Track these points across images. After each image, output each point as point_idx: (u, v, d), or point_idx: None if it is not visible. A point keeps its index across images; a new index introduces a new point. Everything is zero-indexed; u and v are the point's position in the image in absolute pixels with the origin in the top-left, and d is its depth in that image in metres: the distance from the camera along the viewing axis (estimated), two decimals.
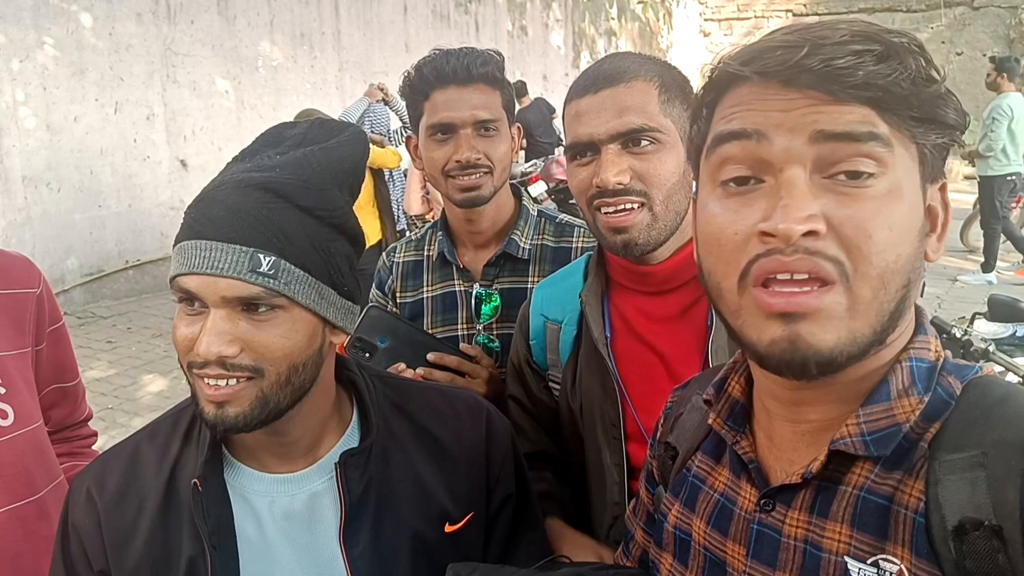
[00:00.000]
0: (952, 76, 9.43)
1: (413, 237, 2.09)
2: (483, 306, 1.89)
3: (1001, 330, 3.98)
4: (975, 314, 4.07)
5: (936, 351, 0.82)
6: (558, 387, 1.62)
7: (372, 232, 5.50)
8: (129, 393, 5.95)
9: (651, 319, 1.47)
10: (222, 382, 1.04)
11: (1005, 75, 8.43)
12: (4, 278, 1.54)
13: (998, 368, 3.52)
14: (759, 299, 0.76)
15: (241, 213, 1.04)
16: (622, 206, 1.35)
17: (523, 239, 1.90)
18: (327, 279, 1.10)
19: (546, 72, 14.81)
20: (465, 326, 1.92)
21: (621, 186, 1.33)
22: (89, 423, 1.87)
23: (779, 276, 0.74)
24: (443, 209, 1.98)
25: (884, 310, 0.75)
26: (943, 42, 16.16)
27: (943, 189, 0.81)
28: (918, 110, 0.74)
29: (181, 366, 1.09)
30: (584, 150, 1.39)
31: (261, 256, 1.02)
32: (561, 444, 1.64)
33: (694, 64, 18.26)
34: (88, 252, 7.93)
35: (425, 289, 1.98)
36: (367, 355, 1.73)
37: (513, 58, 13.23)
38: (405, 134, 1.91)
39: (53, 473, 1.57)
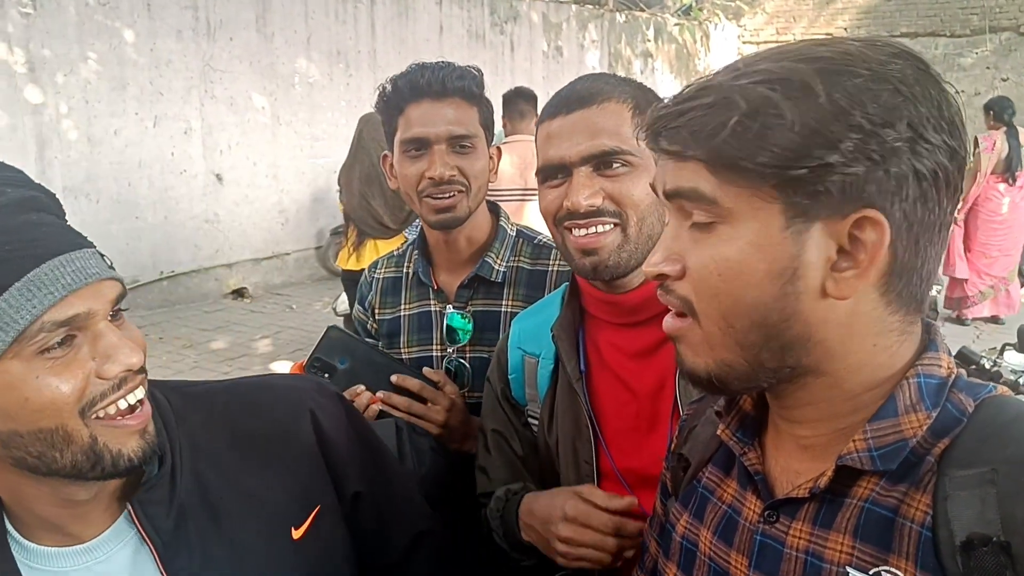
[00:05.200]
0: None
1: (395, 253, 2.05)
2: (464, 327, 1.86)
3: None
4: (1005, 345, 3.94)
5: (948, 368, 0.83)
6: (536, 423, 1.56)
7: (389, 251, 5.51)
8: None
9: (624, 354, 1.43)
10: (139, 392, 0.97)
11: None
12: None
13: None
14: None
15: (54, 226, 0.95)
16: (593, 228, 1.32)
17: (498, 261, 1.84)
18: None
19: None
20: (439, 347, 1.88)
21: (593, 208, 1.30)
22: None
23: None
24: (420, 227, 1.94)
25: (747, 344, 0.80)
26: (988, 67, 15.92)
27: (859, 224, 0.75)
28: (743, 161, 0.75)
29: (61, 427, 0.92)
30: (555, 172, 1.35)
31: (101, 254, 0.98)
32: (541, 481, 1.57)
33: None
34: (124, 262, 8.02)
35: (403, 307, 1.94)
36: (326, 375, 1.71)
37: (548, 78, 13.23)
38: None
39: None
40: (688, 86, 0.82)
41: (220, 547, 1.07)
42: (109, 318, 0.95)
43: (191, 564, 1.04)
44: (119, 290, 0.96)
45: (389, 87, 1.79)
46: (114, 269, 0.98)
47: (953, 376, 0.82)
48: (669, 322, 0.86)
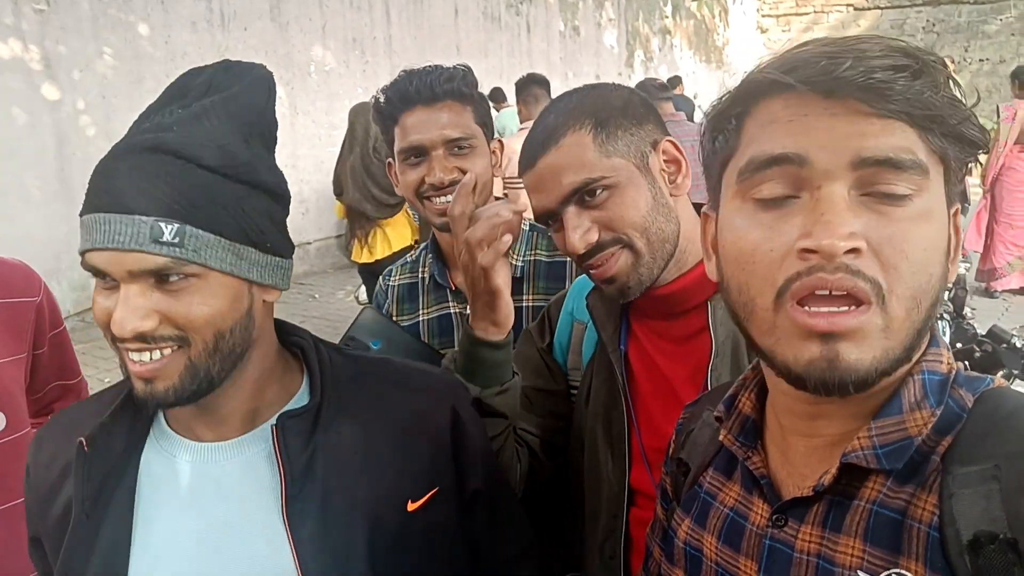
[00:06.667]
0: None
1: (408, 259, 2.05)
2: None
3: None
4: None
5: (948, 363, 0.82)
6: (576, 392, 1.57)
7: (400, 237, 5.54)
8: None
9: (662, 338, 1.43)
10: (145, 356, 0.99)
11: None
12: (3, 288, 1.61)
13: None
14: (797, 319, 0.75)
15: (139, 180, 0.97)
16: (602, 262, 1.32)
17: (514, 256, 1.84)
18: (244, 238, 1.03)
19: (599, 72, 14.73)
20: None
21: (591, 245, 1.30)
22: None
23: (818, 292, 0.74)
24: (432, 232, 1.93)
25: (914, 329, 0.75)
26: (1012, 34, 15.66)
27: (956, 214, 0.82)
28: (949, 127, 0.75)
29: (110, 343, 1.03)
30: (549, 218, 1.36)
31: (163, 225, 0.96)
32: (563, 447, 1.60)
33: (751, 62, 17.95)
34: None
35: (421, 312, 1.94)
36: None
37: (565, 59, 13.17)
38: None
39: None
40: (843, 40, 0.76)
41: (340, 500, 1.10)
42: (153, 283, 0.98)
43: (311, 507, 1.08)
44: (151, 264, 0.96)
45: (381, 98, 1.79)
46: (173, 245, 0.96)
47: (954, 371, 0.82)
48: (845, 321, 0.73)
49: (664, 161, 1.35)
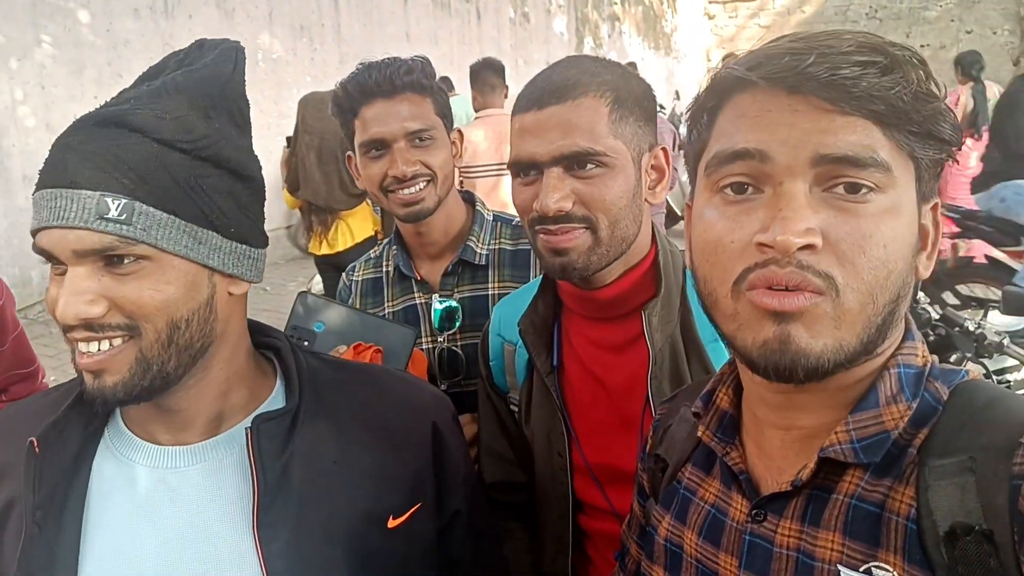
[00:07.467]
0: None
1: (372, 255, 2.06)
2: (455, 318, 1.86)
3: (1015, 322, 3.92)
4: (988, 306, 4.01)
5: (923, 357, 0.84)
6: (517, 411, 1.56)
7: (362, 228, 5.49)
8: None
9: (598, 347, 1.40)
10: (93, 346, 0.92)
11: None
12: None
13: (1012, 361, 3.47)
14: (752, 299, 0.76)
15: (87, 153, 0.90)
16: (561, 232, 1.27)
17: (479, 245, 1.87)
18: (203, 220, 0.96)
19: (548, 59, 14.71)
20: (429, 338, 1.89)
21: (562, 212, 1.24)
22: None
23: (774, 287, 0.75)
24: (396, 224, 1.93)
25: (871, 323, 0.76)
26: (952, 20, 16.02)
27: (935, 209, 0.83)
28: (917, 125, 0.75)
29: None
30: (527, 169, 1.30)
31: (109, 200, 0.89)
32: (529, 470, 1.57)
33: (699, 48, 18.17)
34: None
35: (387, 305, 1.95)
36: (305, 343, 1.71)
37: (516, 46, 13.13)
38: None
39: None
40: (815, 35, 0.77)
41: (316, 513, 1.03)
42: (102, 265, 0.92)
43: (284, 521, 1.01)
44: (96, 243, 0.90)
45: (340, 92, 1.79)
46: (120, 222, 0.90)
47: (929, 365, 0.83)
48: (798, 301, 0.74)
49: (651, 166, 1.33)
